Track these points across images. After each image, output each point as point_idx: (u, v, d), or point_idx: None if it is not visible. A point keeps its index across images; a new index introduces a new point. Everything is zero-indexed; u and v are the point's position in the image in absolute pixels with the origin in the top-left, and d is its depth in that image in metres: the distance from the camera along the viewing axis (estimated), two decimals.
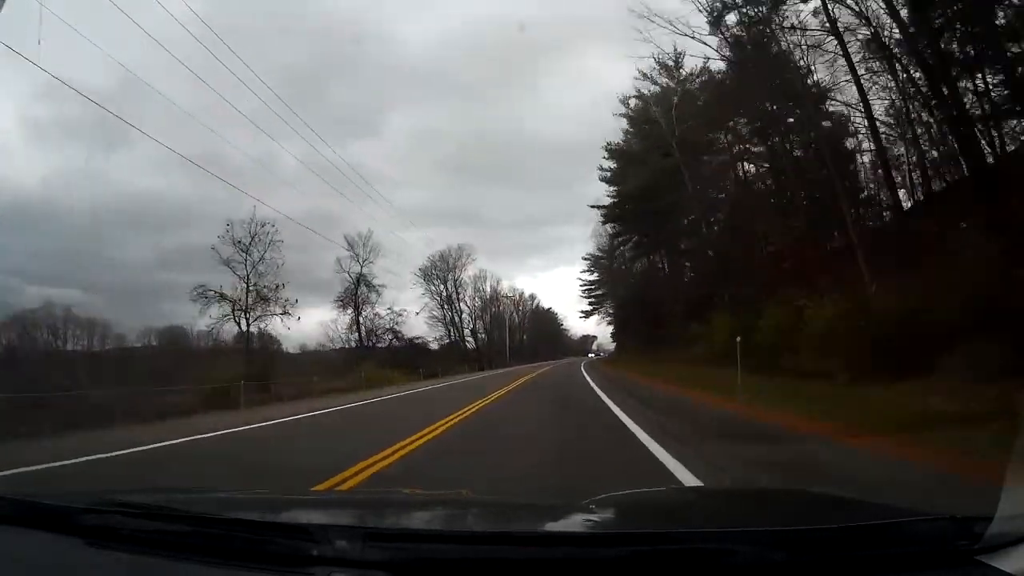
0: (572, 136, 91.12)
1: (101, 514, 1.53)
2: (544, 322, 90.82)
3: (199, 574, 1.30)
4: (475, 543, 1.31)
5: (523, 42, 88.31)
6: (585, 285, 64.18)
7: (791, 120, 19.52)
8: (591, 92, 65.95)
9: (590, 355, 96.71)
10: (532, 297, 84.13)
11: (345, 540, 1.24)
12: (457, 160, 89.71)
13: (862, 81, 16.08)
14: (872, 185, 18.93)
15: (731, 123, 23.63)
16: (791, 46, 17.72)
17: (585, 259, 61.41)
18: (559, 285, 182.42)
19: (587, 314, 67.60)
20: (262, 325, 29.52)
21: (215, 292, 28.12)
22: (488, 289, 63.91)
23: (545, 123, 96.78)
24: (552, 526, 1.67)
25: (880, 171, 17.09)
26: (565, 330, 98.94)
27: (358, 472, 5.18)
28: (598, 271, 60.46)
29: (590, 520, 1.65)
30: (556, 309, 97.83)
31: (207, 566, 1.30)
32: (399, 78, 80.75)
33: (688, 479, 4.59)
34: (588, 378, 23.51)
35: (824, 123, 18.30)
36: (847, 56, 15.91)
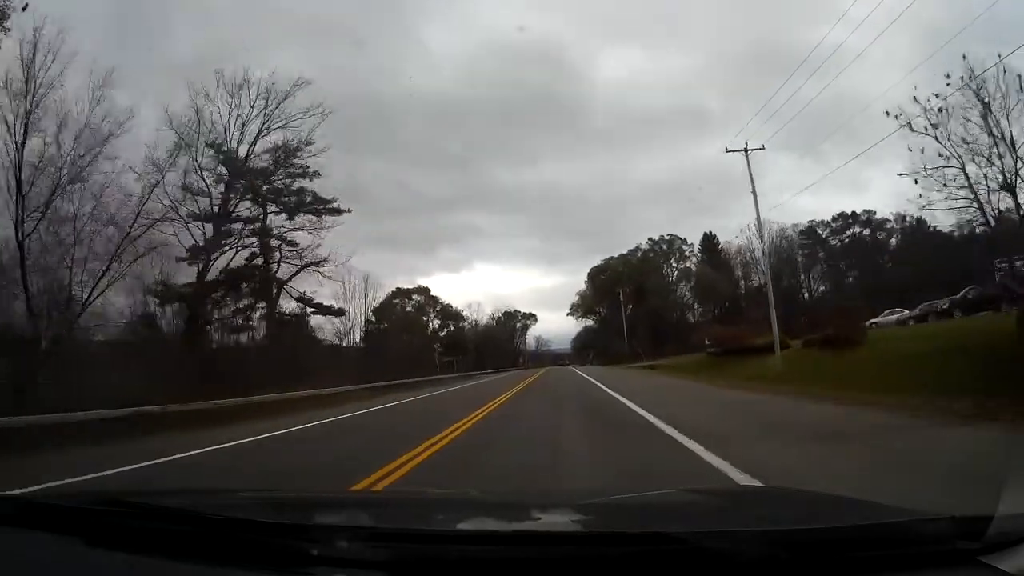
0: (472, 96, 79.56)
1: (100, 514, 1.53)
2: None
3: (199, 574, 1.30)
4: (476, 543, 1.31)
5: None
6: None
7: None
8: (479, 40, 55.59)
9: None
10: None
11: (346, 540, 1.24)
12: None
13: None
14: None
15: None
16: None
17: None
18: (481, 284, 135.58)
19: None
20: None
21: None
22: None
23: (432, 79, 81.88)
24: (553, 526, 1.66)
25: None
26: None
27: None
28: None
29: (591, 520, 1.65)
30: None
31: (207, 566, 1.30)
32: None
33: None
34: None
35: None
36: None
